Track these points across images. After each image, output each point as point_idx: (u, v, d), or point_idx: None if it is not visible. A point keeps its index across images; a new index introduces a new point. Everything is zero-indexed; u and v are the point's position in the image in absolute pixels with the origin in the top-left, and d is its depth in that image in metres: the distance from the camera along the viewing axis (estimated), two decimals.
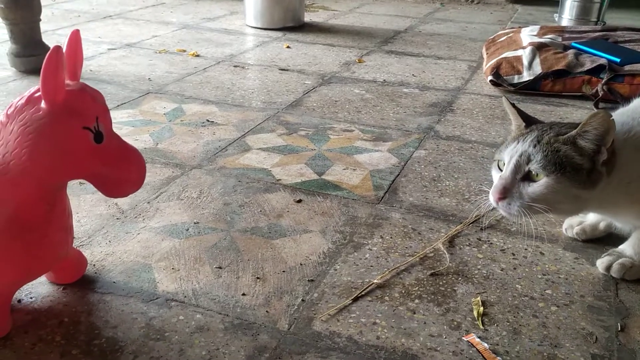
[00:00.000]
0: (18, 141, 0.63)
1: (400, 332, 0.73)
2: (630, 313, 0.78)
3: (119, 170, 0.68)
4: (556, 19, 2.52)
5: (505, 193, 0.77)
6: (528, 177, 0.76)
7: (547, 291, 0.82)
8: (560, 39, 1.86)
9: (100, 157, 0.66)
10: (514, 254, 0.91)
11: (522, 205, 0.76)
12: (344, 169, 1.17)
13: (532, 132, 0.79)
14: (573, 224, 0.96)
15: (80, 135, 0.64)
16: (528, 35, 1.90)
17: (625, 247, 0.87)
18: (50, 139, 0.63)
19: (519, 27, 2.14)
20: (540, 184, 0.75)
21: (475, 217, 1.01)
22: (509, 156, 0.78)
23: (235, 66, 1.84)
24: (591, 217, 0.95)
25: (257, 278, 0.83)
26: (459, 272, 0.86)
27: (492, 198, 0.79)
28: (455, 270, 0.86)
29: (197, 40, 2.15)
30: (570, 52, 1.71)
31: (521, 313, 0.77)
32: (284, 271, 0.85)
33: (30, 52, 1.68)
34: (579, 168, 0.74)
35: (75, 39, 0.67)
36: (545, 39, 1.84)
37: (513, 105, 0.86)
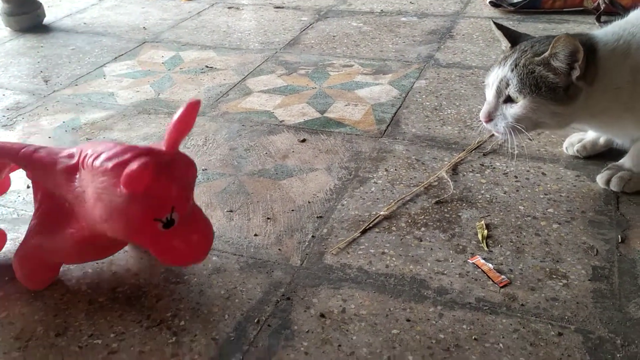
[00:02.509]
0: (93, 198, 0.64)
1: (409, 260, 0.77)
2: (631, 225, 0.80)
3: (179, 252, 0.66)
4: None
5: (491, 116, 0.83)
6: (509, 99, 0.81)
7: (549, 210, 0.84)
8: None
9: (167, 238, 0.64)
10: (516, 177, 0.93)
11: (507, 125, 0.82)
12: (346, 105, 1.18)
13: (513, 55, 0.82)
14: (573, 142, 0.98)
15: (149, 224, 0.63)
16: None
17: (624, 161, 0.89)
18: (121, 216, 0.62)
19: None
20: (520, 106, 0.80)
21: (478, 143, 1.02)
22: (492, 81, 0.83)
23: (229, 7, 1.81)
24: (590, 134, 0.97)
25: (268, 218, 0.86)
26: (463, 198, 0.88)
27: (481, 118, 0.85)
28: (459, 196, 0.89)
29: None
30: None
31: (524, 233, 0.80)
32: (293, 210, 0.87)
33: (24, 10, 1.66)
34: (554, 86, 0.78)
35: (192, 109, 0.62)
36: None
37: (499, 26, 0.88)
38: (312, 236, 0.82)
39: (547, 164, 0.95)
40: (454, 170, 0.95)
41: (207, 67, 1.39)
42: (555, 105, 0.78)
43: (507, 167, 0.95)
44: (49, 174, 0.69)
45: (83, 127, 1.13)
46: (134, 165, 0.58)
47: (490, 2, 1.68)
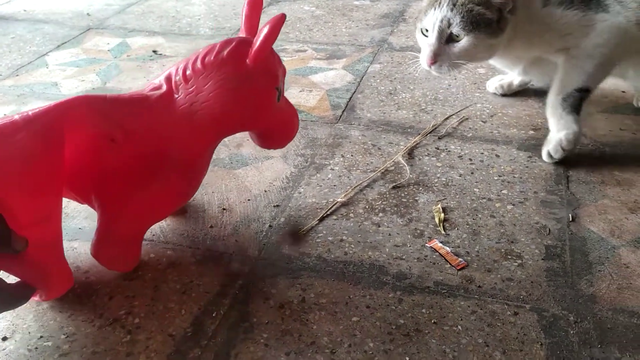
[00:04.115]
0: (214, 93, 0.66)
1: (367, 246, 0.76)
2: (581, 203, 0.82)
3: (285, 127, 0.76)
4: None
5: (435, 58, 0.89)
6: (450, 39, 0.88)
7: (503, 191, 0.86)
8: None
9: (277, 114, 0.72)
10: (470, 159, 0.93)
11: (449, 64, 0.90)
12: (300, 91, 1.16)
13: None
14: (494, 82, 1.14)
15: (271, 95, 0.69)
16: None
17: (549, 136, 0.94)
18: (249, 96, 0.67)
19: None
20: (463, 43, 0.87)
21: (433, 126, 1.03)
22: (431, 23, 0.88)
23: None
24: (508, 77, 1.13)
25: (223, 209, 0.84)
26: (420, 182, 0.88)
27: (424, 64, 0.91)
28: (415, 180, 0.89)
29: None
30: None
31: (479, 215, 0.81)
32: (249, 199, 0.86)
33: None
34: (490, 22, 0.87)
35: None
36: None
37: None
38: (270, 225, 0.80)
39: (500, 145, 0.97)
40: (410, 154, 0.95)
41: (155, 53, 1.35)
42: (491, 38, 0.88)
43: (461, 149, 0.96)
44: (141, 115, 0.67)
45: None
46: (256, 42, 0.64)
47: None
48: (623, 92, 1.12)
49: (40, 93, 1.17)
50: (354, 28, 1.46)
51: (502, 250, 0.75)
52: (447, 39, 0.87)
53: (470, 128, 1.02)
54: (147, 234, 0.79)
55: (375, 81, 1.19)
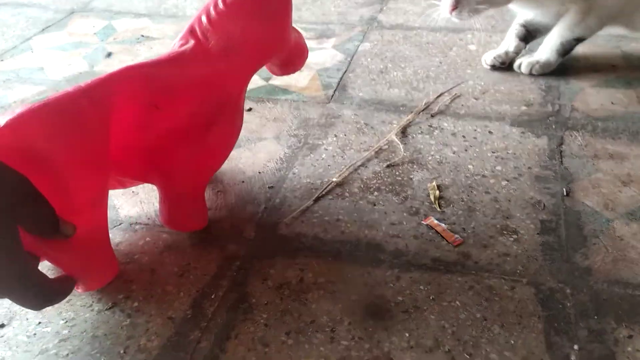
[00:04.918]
0: (245, 27, 0.69)
1: (363, 225, 0.76)
2: (575, 178, 0.83)
3: (301, 47, 0.80)
4: None
5: (457, 4, 0.95)
6: None
7: (497, 168, 0.86)
8: None
9: (292, 35, 0.77)
10: (464, 137, 0.93)
11: (470, 9, 0.96)
12: None
13: None
14: (490, 55, 1.15)
15: (290, 16, 0.75)
16: None
17: (536, 52, 1.10)
18: (274, 20, 0.72)
19: None
20: None
21: (425, 104, 1.02)
22: None
23: None
24: (501, 47, 1.15)
25: (218, 191, 0.83)
26: (414, 161, 0.88)
27: (445, 11, 0.97)
28: (410, 159, 0.89)
29: None
30: None
31: (474, 192, 0.81)
32: (243, 181, 0.85)
33: None
34: None
35: None
36: None
37: None
38: (265, 207, 0.80)
39: (493, 122, 0.97)
40: (403, 132, 0.95)
41: (142, 36, 1.33)
42: None
43: (454, 127, 0.96)
44: (182, 72, 0.68)
45: (13, 105, 1.06)
46: None
47: None
48: (613, 65, 1.12)
49: (26, 78, 1.15)
50: (342, 7, 1.45)
51: (498, 226, 0.75)
52: None
53: (462, 105, 1.02)
54: (142, 218, 0.79)
55: (366, 60, 1.19)
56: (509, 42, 1.14)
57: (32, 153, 0.54)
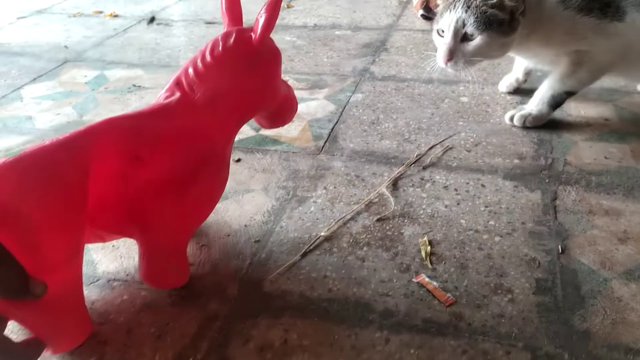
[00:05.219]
0: (232, 80, 0.69)
1: (352, 282, 0.73)
2: (570, 234, 0.80)
3: (290, 100, 0.80)
4: None
5: (452, 55, 0.97)
6: (465, 38, 0.96)
7: (490, 222, 0.84)
8: None
9: (282, 88, 0.77)
10: (456, 190, 0.91)
11: (465, 61, 0.98)
12: None
13: (458, 0, 0.97)
14: (505, 82, 1.23)
15: (279, 70, 0.74)
16: None
17: (527, 104, 1.11)
18: (263, 74, 0.72)
19: None
20: (477, 42, 0.96)
21: (417, 156, 1.01)
22: (447, 24, 0.97)
23: (158, 24, 1.75)
24: (512, 74, 1.23)
25: (202, 245, 0.80)
26: (405, 214, 0.86)
27: (440, 62, 0.99)
28: (400, 212, 0.86)
29: None
30: None
31: (467, 247, 0.79)
32: (228, 235, 0.83)
33: None
34: (502, 22, 0.94)
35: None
36: None
37: None
38: (250, 262, 0.77)
39: (485, 175, 0.95)
40: (394, 185, 0.93)
41: (134, 86, 1.32)
42: (503, 37, 0.96)
43: (446, 179, 0.94)
44: (166, 124, 0.67)
45: None
46: (260, 22, 0.67)
47: (422, 15, 1.69)
48: (606, 119, 1.12)
49: (13, 127, 1.14)
50: (335, 58, 1.45)
51: (492, 284, 0.72)
52: (461, 38, 0.96)
53: (455, 157, 1.00)
54: (121, 274, 0.75)
55: (357, 111, 1.18)
56: (521, 67, 1.20)
57: (3, 209, 0.52)
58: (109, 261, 0.78)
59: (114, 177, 0.63)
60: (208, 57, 0.68)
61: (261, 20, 0.67)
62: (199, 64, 0.68)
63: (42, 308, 0.56)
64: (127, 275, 0.75)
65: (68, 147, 0.58)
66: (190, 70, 0.68)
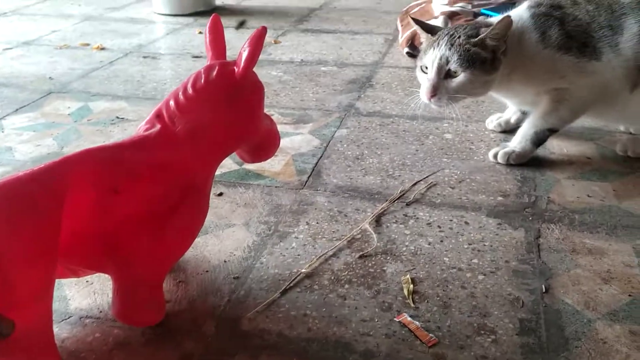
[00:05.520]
0: (214, 113, 0.68)
1: (332, 321, 0.71)
2: (553, 273, 0.80)
3: (273, 135, 0.78)
4: None
5: (435, 91, 0.99)
6: (449, 75, 0.98)
7: (473, 260, 0.82)
8: (470, 7, 1.88)
9: (264, 122, 0.76)
10: (440, 227, 0.91)
11: (448, 97, 0.99)
12: None
13: (442, 38, 1.00)
14: (493, 120, 1.24)
15: (261, 104, 0.73)
16: (440, 5, 1.91)
17: (511, 141, 1.11)
18: (245, 108, 0.70)
19: None
20: (460, 79, 0.98)
21: (401, 192, 1.00)
22: (430, 61, 0.99)
23: (145, 57, 1.75)
24: (505, 115, 1.23)
25: (180, 282, 0.78)
26: (387, 251, 0.85)
27: (424, 97, 1.01)
28: (383, 249, 0.85)
29: (101, 32, 2.03)
30: (480, 18, 1.73)
31: (450, 286, 0.77)
32: (207, 271, 0.81)
33: None
34: (485, 60, 0.97)
35: (215, 22, 0.73)
36: (456, 7, 1.85)
37: (417, 21, 1.08)
38: (228, 299, 0.75)
39: (469, 212, 0.94)
40: (378, 221, 0.92)
41: (118, 118, 1.31)
42: (486, 75, 0.98)
43: (430, 216, 0.93)
44: (145, 156, 0.66)
45: None
46: (243, 56, 0.67)
47: (407, 53, 1.71)
48: (588, 158, 1.12)
49: None
50: (321, 93, 1.46)
51: (475, 324, 0.71)
52: (445, 74, 0.98)
53: (438, 194, 1.00)
54: (94, 311, 0.73)
55: (342, 146, 1.18)
56: (513, 112, 1.22)
57: None
58: (82, 297, 0.75)
59: (89, 210, 0.61)
60: (190, 90, 0.68)
61: (244, 54, 0.67)
62: (181, 97, 0.68)
63: (9, 347, 0.53)
64: (101, 312, 0.73)
65: (42, 178, 0.57)
66: (172, 103, 0.68)
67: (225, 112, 0.69)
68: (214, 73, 0.68)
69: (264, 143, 0.78)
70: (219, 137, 0.70)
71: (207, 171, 0.72)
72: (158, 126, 0.67)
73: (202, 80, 0.68)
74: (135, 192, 0.64)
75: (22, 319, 0.53)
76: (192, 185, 0.69)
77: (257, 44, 0.67)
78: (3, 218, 0.53)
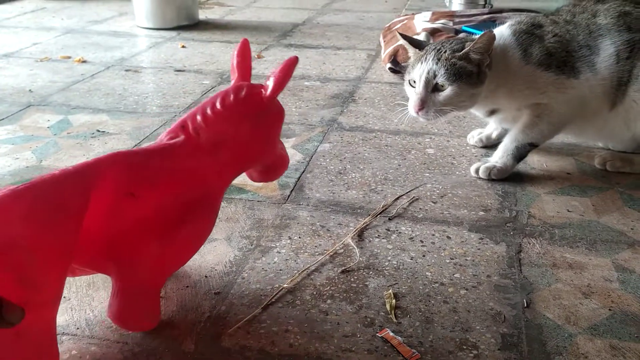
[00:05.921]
0: (238, 131, 0.70)
1: (314, 337, 0.71)
2: (534, 288, 0.80)
3: (283, 157, 0.80)
4: (447, 3, 2.60)
5: (423, 105, 1.01)
6: (436, 89, 1.00)
7: (455, 275, 0.82)
8: (451, 24, 1.91)
9: (280, 147, 0.79)
10: (422, 241, 0.91)
11: (435, 110, 1.01)
12: None
13: (430, 52, 1.02)
14: (474, 135, 1.25)
15: (280, 128, 0.76)
16: (421, 22, 1.93)
17: (492, 156, 1.12)
18: (267, 130, 0.73)
19: (413, 13, 2.18)
20: (447, 92, 1.00)
21: (383, 207, 1.00)
22: (418, 75, 1.01)
23: (127, 70, 1.74)
24: (487, 130, 1.24)
25: (160, 297, 0.77)
26: (370, 266, 0.84)
27: (412, 111, 1.02)
28: (365, 264, 0.85)
29: (83, 45, 2.01)
30: (461, 35, 1.75)
31: (432, 301, 0.77)
32: (187, 286, 0.79)
33: None
34: (470, 74, 0.99)
35: (244, 45, 0.75)
36: (438, 24, 1.88)
37: (405, 36, 1.10)
38: (209, 315, 0.74)
39: (451, 226, 0.95)
40: (360, 236, 0.92)
41: (98, 131, 1.30)
42: (472, 88, 1.00)
43: (412, 231, 0.93)
44: (167, 164, 0.67)
45: None
46: (273, 80, 0.69)
47: (389, 68, 1.73)
48: (568, 173, 1.14)
49: None
50: (304, 108, 1.46)
51: (457, 339, 0.70)
52: (432, 88, 1.00)
53: (420, 209, 1.00)
54: (71, 327, 0.71)
55: (324, 160, 1.18)
56: (495, 127, 1.23)
57: (7, 244, 0.51)
58: (59, 313, 0.73)
59: (103, 211, 0.62)
60: (218, 106, 0.69)
61: (274, 79, 0.70)
62: (209, 111, 0.69)
63: (19, 345, 0.54)
64: (77, 328, 0.71)
65: (75, 178, 0.59)
66: (199, 117, 0.69)
67: (249, 131, 0.71)
68: (243, 93, 0.70)
69: (275, 165, 0.80)
70: (239, 154, 0.72)
71: (221, 185, 0.74)
72: (182, 136, 0.69)
73: (232, 98, 0.70)
74: (150, 198, 0.65)
75: (39, 319, 0.54)
76: (206, 197, 0.71)
77: (288, 71, 0.69)
78: (37, 218, 0.54)
